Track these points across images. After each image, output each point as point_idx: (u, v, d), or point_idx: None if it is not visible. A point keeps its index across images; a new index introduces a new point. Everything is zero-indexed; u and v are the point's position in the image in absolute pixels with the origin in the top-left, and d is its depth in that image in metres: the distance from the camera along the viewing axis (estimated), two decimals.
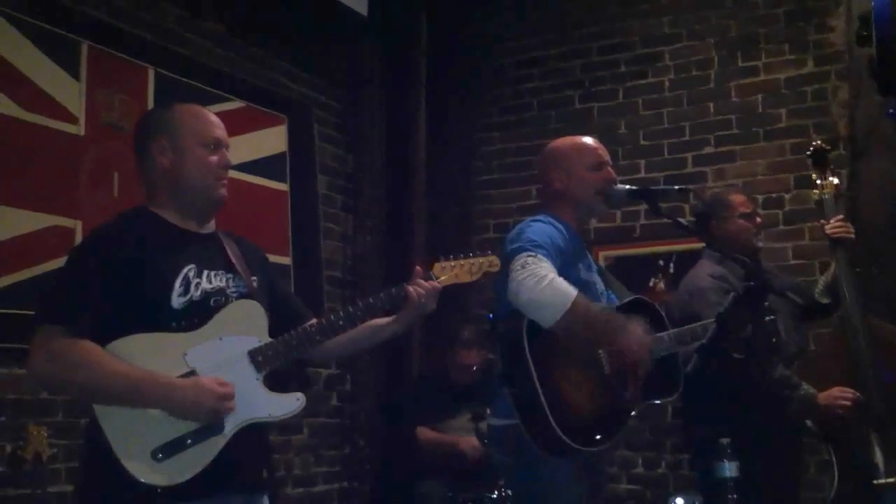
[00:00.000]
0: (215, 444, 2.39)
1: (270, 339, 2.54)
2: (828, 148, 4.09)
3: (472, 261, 2.73)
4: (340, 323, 2.62)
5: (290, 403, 2.53)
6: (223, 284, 2.55)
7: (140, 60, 4.34)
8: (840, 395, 3.74)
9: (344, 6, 5.29)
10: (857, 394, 3.73)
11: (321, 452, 5.24)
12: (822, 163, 4.03)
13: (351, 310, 2.63)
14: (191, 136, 2.56)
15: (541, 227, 3.20)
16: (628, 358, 3.06)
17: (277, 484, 4.80)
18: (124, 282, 2.39)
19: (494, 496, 4.34)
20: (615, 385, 3.14)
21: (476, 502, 4.39)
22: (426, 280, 2.73)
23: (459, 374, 5.02)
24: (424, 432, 4.93)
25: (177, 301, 2.44)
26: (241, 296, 2.57)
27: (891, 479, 3.61)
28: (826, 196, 3.99)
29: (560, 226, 3.27)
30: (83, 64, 4.08)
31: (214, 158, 2.57)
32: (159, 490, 2.30)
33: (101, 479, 2.37)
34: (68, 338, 2.32)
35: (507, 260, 3.07)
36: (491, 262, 2.75)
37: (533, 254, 3.04)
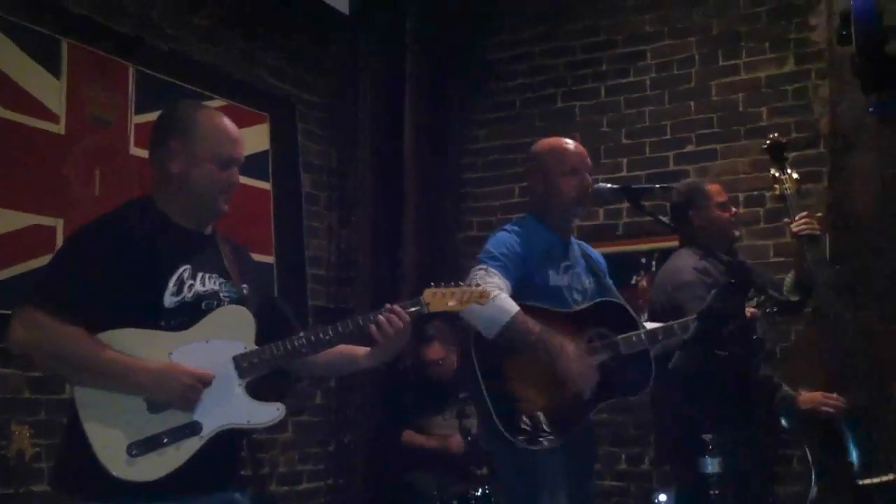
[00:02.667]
0: (191, 445, 2.40)
1: (256, 347, 2.56)
2: (784, 141, 4.08)
3: (462, 290, 2.76)
4: (328, 338, 2.63)
5: (270, 412, 2.55)
6: (216, 288, 2.57)
7: (121, 58, 4.32)
8: (824, 400, 3.74)
9: (325, 3, 5.28)
10: (842, 399, 3.73)
11: (306, 450, 5.24)
12: (779, 157, 4.02)
13: (340, 327, 2.64)
14: (206, 148, 2.56)
15: (502, 237, 3.30)
16: (566, 382, 3.12)
17: (262, 482, 4.79)
18: (120, 275, 2.40)
19: (479, 493, 4.36)
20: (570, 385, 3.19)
21: (462, 498, 4.41)
22: (410, 307, 2.71)
23: (432, 371, 5.06)
24: (411, 436, 4.94)
25: (169, 300, 2.47)
26: (233, 301, 2.59)
27: (876, 480, 3.63)
28: (788, 191, 3.97)
29: (534, 230, 3.33)
30: (64, 62, 4.06)
31: (224, 175, 2.58)
32: (130, 485, 2.32)
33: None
34: (55, 320, 2.34)
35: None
36: (482, 293, 2.78)
37: (484, 267, 3.18)
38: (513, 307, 3.08)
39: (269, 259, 5.07)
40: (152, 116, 4.32)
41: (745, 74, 5.59)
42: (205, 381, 2.42)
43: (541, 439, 3.12)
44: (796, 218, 3.91)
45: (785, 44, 5.51)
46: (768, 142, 4.09)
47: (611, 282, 3.63)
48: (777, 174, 3.99)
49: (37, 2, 3.97)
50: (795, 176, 3.99)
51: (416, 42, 5.90)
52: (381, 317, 2.65)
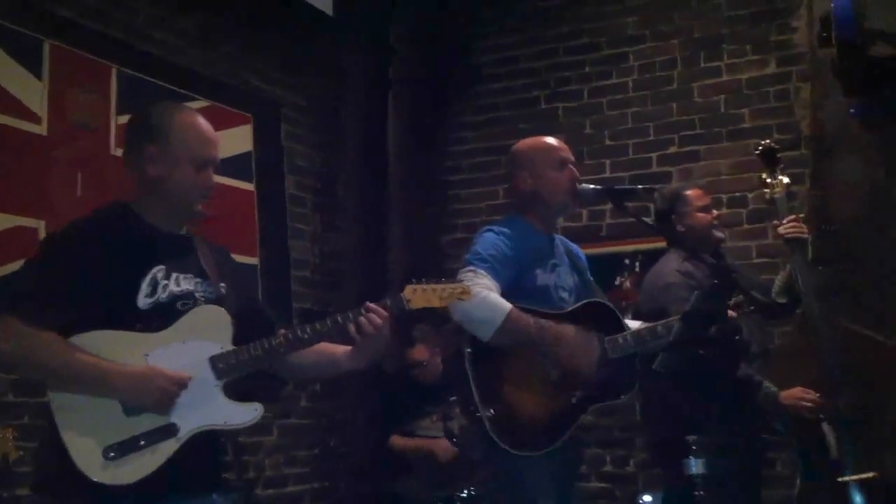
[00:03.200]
0: (168, 447, 2.39)
1: (233, 347, 2.54)
2: (776, 146, 4.13)
3: (444, 286, 2.72)
4: (305, 337, 2.60)
5: (248, 413, 2.53)
6: (192, 288, 2.56)
7: (104, 59, 4.30)
8: (802, 395, 3.80)
9: (309, 5, 5.28)
10: (819, 395, 3.77)
11: (292, 453, 5.22)
12: (771, 162, 4.06)
13: (318, 326, 2.61)
14: (183, 150, 2.54)
15: (489, 238, 3.28)
16: (567, 368, 3.12)
17: (248, 485, 4.77)
18: (92, 279, 2.38)
19: (464, 495, 4.36)
20: (562, 389, 3.19)
21: (447, 500, 4.41)
22: (392, 304, 2.67)
23: (416, 374, 5.06)
24: (397, 440, 4.94)
25: (143, 302, 2.45)
26: (209, 301, 2.57)
27: (855, 476, 3.65)
28: (778, 196, 4.03)
29: (519, 230, 3.32)
30: (46, 63, 4.04)
31: (201, 177, 2.57)
32: (107, 488, 2.31)
33: (53, 472, 2.38)
34: (28, 326, 2.33)
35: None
36: (463, 289, 2.75)
37: (473, 269, 3.16)
38: (506, 305, 3.07)
39: (254, 261, 5.05)
40: None
41: (727, 76, 5.63)
42: (182, 384, 2.40)
43: (533, 445, 3.11)
44: (784, 221, 3.95)
45: (767, 46, 5.54)
46: (760, 147, 4.12)
47: (591, 278, 3.64)
48: (769, 179, 4.04)
49: (19, 3, 3.95)
50: (786, 181, 4.05)
51: (401, 44, 5.91)
52: (361, 317, 2.61)
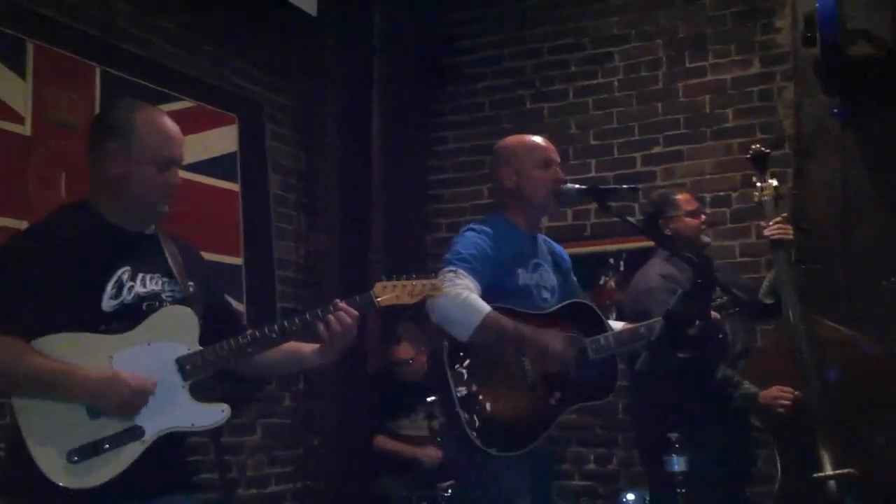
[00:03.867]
0: (134, 450, 2.37)
1: (200, 348, 2.52)
2: (767, 151, 4.16)
3: (414, 283, 2.72)
4: (273, 336, 2.58)
5: (214, 414, 2.51)
6: (158, 288, 2.53)
7: (87, 59, 4.29)
8: (779, 394, 3.84)
9: (292, 5, 5.27)
10: (796, 392, 3.81)
11: (274, 453, 5.21)
12: (761, 165, 4.11)
13: (286, 324, 2.60)
14: (144, 150, 2.51)
15: (470, 238, 3.27)
16: (546, 368, 3.13)
17: (230, 485, 4.77)
18: (54, 281, 2.36)
19: (448, 494, 4.36)
20: (540, 391, 3.19)
21: (431, 500, 4.41)
22: (361, 302, 2.66)
23: (400, 372, 5.06)
24: (383, 441, 4.93)
25: (108, 304, 2.42)
26: (176, 301, 2.55)
27: (830, 472, 3.68)
28: (766, 198, 4.08)
29: (502, 229, 3.32)
30: (30, 63, 4.02)
31: (163, 177, 2.53)
32: (71, 492, 2.29)
33: (17, 475, 2.36)
34: None
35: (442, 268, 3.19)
36: (434, 285, 2.75)
37: (454, 269, 3.15)
38: (484, 307, 3.07)
39: (238, 261, 5.05)
40: None
41: (712, 76, 5.65)
42: (146, 391, 2.38)
43: (510, 445, 3.12)
44: (770, 223, 4.00)
45: (750, 46, 5.57)
46: (751, 151, 4.16)
47: (574, 278, 3.65)
48: (758, 182, 4.09)
49: (3, 3, 3.93)
50: (775, 184, 4.10)
51: (384, 44, 5.90)
52: (329, 315, 2.60)
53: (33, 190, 4.00)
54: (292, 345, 2.70)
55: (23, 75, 4.00)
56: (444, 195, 6.26)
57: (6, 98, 3.92)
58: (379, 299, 2.66)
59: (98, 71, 4.33)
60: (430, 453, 4.74)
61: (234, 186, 5.09)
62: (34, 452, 2.29)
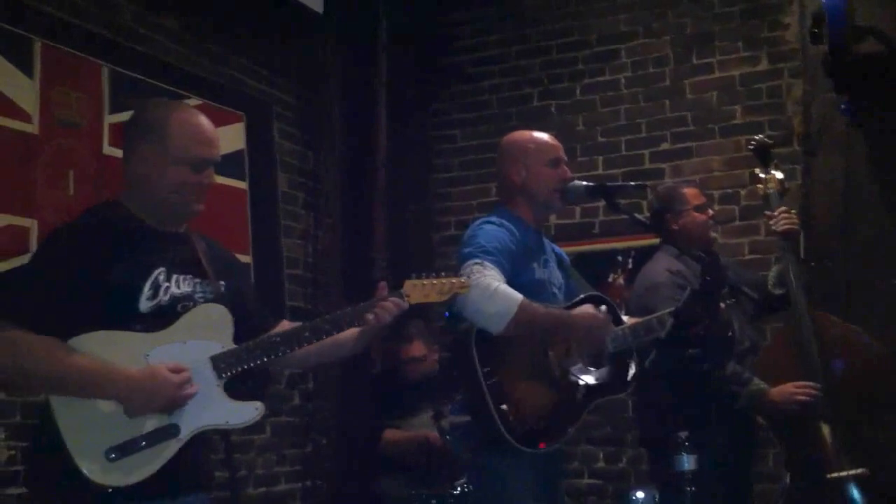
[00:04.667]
0: (170, 448, 2.38)
1: (234, 346, 2.53)
2: (770, 142, 4.13)
3: (443, 281, 2.71)
4: (306, 335, 2.60)
5: (249, 412, 2.52)
6: (191, 289, 2.54)
7: (95, 57, 4.29)
8: (796, 390, 3.76)
9: (301, 4, 5.27)
10: (815, 386, 3.75)
11: (283, 452, 5.22)
12: (765, 157, 4.07)
13: (319, 323, 2.61)
14: (177, 151, 2.50)
15: (491, 230, 3.23)
16: (587, 343, 3.11)
17: (239, 484, 4.77)
18: (93, 280, 2.36)
19: (457, 491, 4.36)
20: (566, 386, 3.18)
21: (438, 499, 4.40)
22: (392, 298, 2.68)
23: (409, 369, 5.04)
24: (392, 433, 4.92)
25: (144, 304, 2.44)
26: (209, 300, 2.56)
27: (843, 473, 3.66)
28: (771, 191, 4.04)
29: (513, 224, 3.30)
30: (37, 62, 4.02)
31: (196, 178, 2.54)
32: (110, 490, 2.30)
33: (52, 475, 2.36)
34: (21, 331, 2.30)
35: (459, 263, 3.15)
36: (462, 283, 2.74)
37: (480, 261, 3.10)
38: (517, 295, 3.02)
39: (247, 259, 5.05)
40: (126, 116, 4.34)
41: (719, 73, 5.64)
42: (185, 383, 2.39)
43: (538, 440, 3.09)
44: (776, 213, 3.96)
45: (758, 43, 5.55)
46: (754, 142, 4.12)
47: (579, 275, 3.64)
48: (762, 174, 4.05)
49: (10, 2, 3.94)
50: (780, 176, 4.05)
51: (391, 42, 5.90)
52: (376, 307, 2.64)
53: (40, 188, 4.00)
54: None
55: (30, 74, 4.00)
56: (451, 193, 6.25)
57: (14, 97, 3.93)
58: (408, 297, 2.67)
59: (105, 69, 4.33)
60: (437, 437, 4.73)
61: (242, 185, 5.09)
62: (72, 450, 2.29)
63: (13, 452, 3.55)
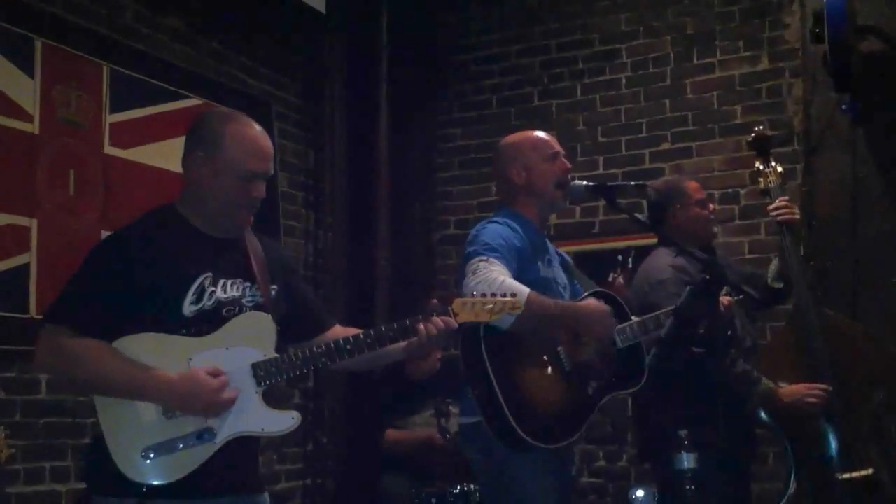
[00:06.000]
0: (205, 451, 2.43)
1: (276, 355, 2.56)
2: (769, 134, 4.11)
3: (494, 300, 2.67)
4: (349, 348, 2.60)
5: (285, 421, 2.55)
6: (238, 294, 2.58)
7: (95, 57, 4.30)
8: (808, 391, 3.72)
9: (303, 3, 5.27)
10: (826, 388, 3.72)
11: (284, 450, 5.23)
12: (763, 149, 4.04)
13: (361, 337, 2.61)
14: (228, 162, 2.54)
15: (495, 229, 3.23)
16: (596, 333, 3.10)
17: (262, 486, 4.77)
18: (138, 286, 2.43)
19: (457, 491, 4.36)
20: (577, 381, 3.17)
21: (439, 498, 4.40)
22: (441, 315, 2.65)
23: (413, 368, 5.03)
24: (393, 433, 4.91)
25: (188, 309, 2.48)
26: (256, 307, 2.59)
27: (855, 474, 3.65)
28: (772, 184, 4.01)
29: (517, 224, 3.30)
30: (38, 61, 4.03)
31: (246, 189, 2.56)
32: (144, 489, 2.37)
33: (95, 468, 2.47)
34: (73, 336, 2.39)
35: (463, 263, 3.14)
36: (514, 303, 2.69)
37: (485, 258, 3.09)
38: (525, 288, 2.99)
39: None
40: (127, 116, 4.40)
41: (720, 73, 5.63)
42: (224, 388, 2.43)
43: (552, 437, 3.08)
44: (777, 202, 3.93)
45: (759, 42, 5.55)
46: (753, 135, 4.10)
47: (583, 274, 3.64)
48: (761, 167, 4.02)
49: (10, 1, 3.94)
50: (780, 169, 4.02)
51: (392, 41, 5.90)
52: (420, 325, 2.61)
53: (41, 188, 4.01)
54: None
55: (31, 73, 4.01)
56: (452, 192, 6.26)
57: (14, 96, 3.94)
58: (457, 316, 2.65)
59: (106, 69, 4.34)
60: (440, 438, 4.73)
61: None
62: (111, 447, 2.38)
63: (13, 451, 3.56)
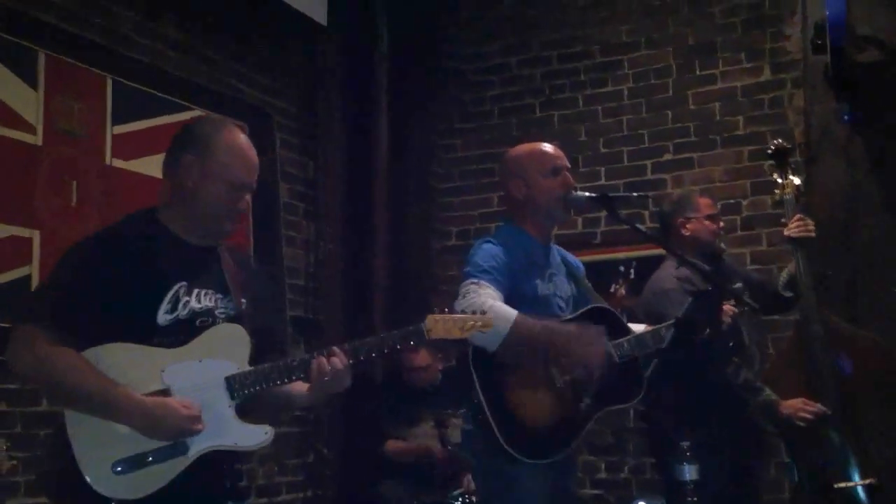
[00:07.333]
0: (177, 465, 2.39)
1: (249, 368, 2.52)
2: (788, 147, 4.14)
3: (465, 317, 2.70)
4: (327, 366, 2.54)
5: (258, 435, 2.52)
6: (212, 305, 2.54)
7: (98, 69, 4.31)
8: (803, 407, 3.77)
9: (304, 14, 5.29)
10: (821, 407, 3.76)
11: (284, 461, 5.22)
12: (782, 162, 4.08)
13: (348, 346, 2.58)
14: (218, 168, 2.52)
15: (489, 250, 3.24)
16: (580, 364, 3.10)
17: (241, 494, 4.76)
18: (114, 292, 2.39)
19: (458, 502, 4.36)
20: (569, 396, 3.18)
21: None
22: (412, 334, 2.63)
23: (413, 378, 5.03)
24: (394, 444, 4.91)
25: (162, 318, 2.45)
26: (229, 318, 2.57)
27: (852, 483, 3.65)
28: (787, 196, 4.03)
29: (516, 240, 3.30)
30: (41, 73, 4.04)
31: (233, 198, 2.55)
32: (113, 503, 2.32)
33: (64, 482, 2.38)
34: (51, 342, 2.34)
35: (461, 281, 3.18)
36: (485, 321, 2.72)
37: (476, 281, 3.11)
38: (512, 313, 3.02)
39: None
40: (130, 127, 4.41)
41: (722, 84, 5.64)
42: (196, 419, 2.38)
43: (543, 452, 3.09)
44: (794, 220, 3.96)
45: (760, 53, 5.56)
46: (773, 147, 4.13)
47: (589, 284, 3.63)
48: (779, 179, 4.05)
49: (13, 13, 3.95)
50: (797, 182, 4.05)
51: (392, 51, 5.91)
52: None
53: (43, 199, 4.01)
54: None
55: (34, 85, 4.02)
56: (452, 203, 6.26)
57: (17, 108, 3.94)
58: (430, 332, 2.65)
59: (109, 80, 4.35)
60: (440, 449, 4.73)
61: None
62: (80, 461, 2.32)
63: (15, 462, 3.55)
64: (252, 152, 2.61)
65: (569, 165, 3.44)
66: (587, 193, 3.36)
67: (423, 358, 5.03)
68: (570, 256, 3.62)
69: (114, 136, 4.32)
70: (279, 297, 4.82)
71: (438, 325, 2.66)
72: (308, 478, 5.36)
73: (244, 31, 5.20)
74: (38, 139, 4.01)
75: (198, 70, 4.89)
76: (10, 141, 3.90)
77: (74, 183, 4.14)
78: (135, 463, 2.34)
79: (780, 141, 4.18)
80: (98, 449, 2.33)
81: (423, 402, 4.96)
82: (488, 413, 3.04)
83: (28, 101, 3.98)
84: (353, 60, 5.80)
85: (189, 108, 4.71)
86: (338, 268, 5.60)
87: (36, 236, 3.94)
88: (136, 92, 4.47)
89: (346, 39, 5.72)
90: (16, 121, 3.93)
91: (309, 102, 5.66)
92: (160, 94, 4.60)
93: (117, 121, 4.34)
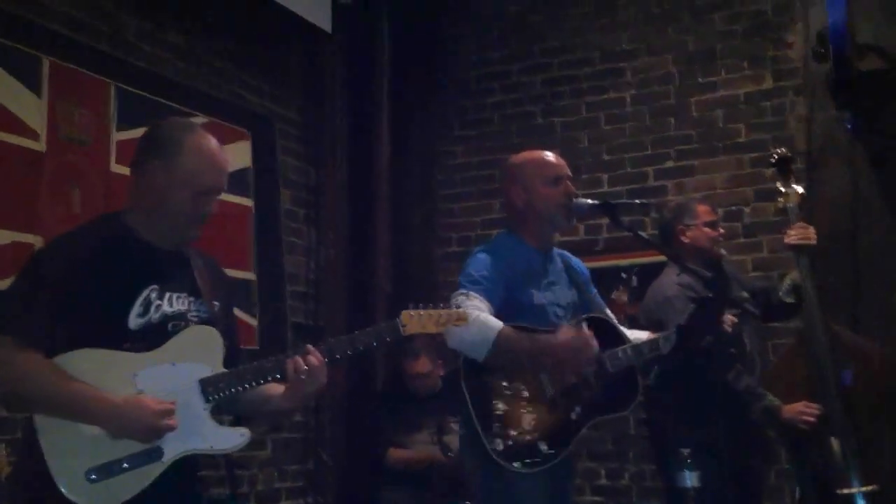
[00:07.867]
0: (152, 471, 2.35)
1: (223, 370, 2.50)
2: (791, 156, 4.15)
3: (440, 312, 2.71)
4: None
5: (234, 438, 2.49)
6: (184, 308, 2.51)
7: (102, 75, 4.32)
8: (804, 409, 3.79)
9: (307, 21, 5.30)
10: (821, 408, 3.77)
11: (285, 468, 5.21)
12: (785, 171, 4.09)
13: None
14: (185, 173, 2.48)
15: (483, 260, 3.27)
16: (570, 367, 3.11)
17: (240, 500, 4.76)
18: (82, 297, 2.35)
19: None
20: (560, 405, 3.18)
21: None
22: (386, 330, 2.65)
23: (415, 384, 5.03)
24: (396, 452, 4.90)
25: (134, 321, 2.41)
26: (202, 321, 2.53)
27: (854, 489, 3.65)
28: (791, 205, 4.04)
29: (513, 249, 3.31)
30: (44, 79, 4.05)
31: (200, 203, 2.51)
32: None
33: (34, 490, 2.33)
34: (17, 349, 2.29)
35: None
36: (459, 315, 2.74)
37: (465, 292, 3.16)
38: (497, 324, 3.05)
39: (250, 275, 5.06)
40: (134, 134, 4.40)
41: (724, 91, 5.65)
42: (169, 414, 2.35)
43: (533, 460, 3.10)
44: (795, 228, 3.96)
45: (762, 61, 5.57)
46: (776, 156, 4.14)
47: (595, 291, 3.62)
48: (783, 188, 4.06)
49: (18, 19, 3.96)
50: (800, 190, 4.06)
51: (394, 59, 5.92)
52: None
53: (46, 205, 4.02)
54: (267, 386, 2.62)
55: (38, 91, 4.03)
56: (454, 209, 6.26)
57: (21, 114, 3.95)
58: (405, 327, 2.66)
59: (112, 87, 4.36)
60: (442, 457, 4.73)
61: (248, 202, 5.11)
62: (53, 470, 2.27)
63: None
64: (220, 156, 2.57)
65: (570, 174, 3.44)
66: (590, 200, 3.37)
67: (423, 364, 5.02)
68: (576, 261, 3.62)
69: (117, 143, 4.33)
70: (238, 299, 4.80)
71: (413, 320, 2.67)
72: (308, 484, 5.36)
73: (247, 38, 5.21)
74: (41, 145, 4.02)
75: (201, 76, 4.91)
76: (13, 147, 3.91)
77: (77, 189, 4.14)
78: (109, 470, 2.30)
79: (783, 150, 4.18)
80: (70, 457, 2.29)
81: (423, 408, 4.95)
82: (476, 423, 3.08)
83: (31, 108, 3.99)
84: (356, 67, 5.81)
85: (193, 114, 4.72)
86: (339, 274, 5.60)
87: (39, 242, 3.94)
88: (140, 98, 4.48)
89: (347, 46, 5.73)
90: (19, 127, 3.94)
91: (311, 110, 5.67)
92: (163, 101, 4.60)
93: (121, 127, 4.35)
